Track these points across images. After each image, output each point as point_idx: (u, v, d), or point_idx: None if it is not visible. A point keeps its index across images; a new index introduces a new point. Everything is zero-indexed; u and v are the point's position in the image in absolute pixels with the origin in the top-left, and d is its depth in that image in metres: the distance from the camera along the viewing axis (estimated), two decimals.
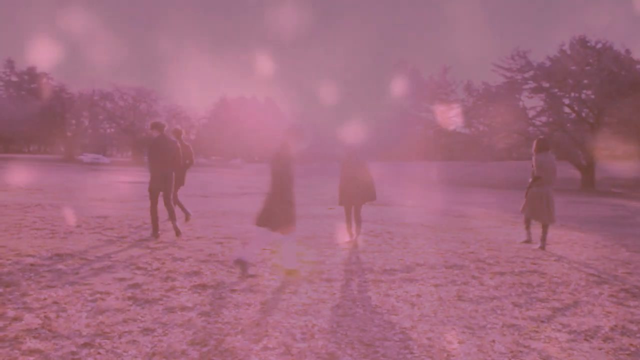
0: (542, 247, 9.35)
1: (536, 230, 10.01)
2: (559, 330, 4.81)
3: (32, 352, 3.88)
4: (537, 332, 4.75)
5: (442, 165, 53.41)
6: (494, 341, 4.47)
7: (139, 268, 6.65)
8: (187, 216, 11.19)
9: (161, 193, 9.14)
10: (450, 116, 54.70)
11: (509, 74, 45.99)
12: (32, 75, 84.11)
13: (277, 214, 6.57)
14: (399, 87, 59.08)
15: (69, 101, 78.46)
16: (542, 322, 5.06)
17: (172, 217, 9.31)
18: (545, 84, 43.98)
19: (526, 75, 44.96)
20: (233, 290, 5.80)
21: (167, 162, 9.11)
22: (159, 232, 9.15)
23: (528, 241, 9.84)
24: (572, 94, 43.61)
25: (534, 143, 9.58)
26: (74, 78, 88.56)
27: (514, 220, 14.29)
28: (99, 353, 3.91)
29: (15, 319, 4.56)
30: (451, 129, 54.84)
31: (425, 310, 5.36)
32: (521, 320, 5.08)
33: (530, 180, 9.60)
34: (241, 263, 6.51)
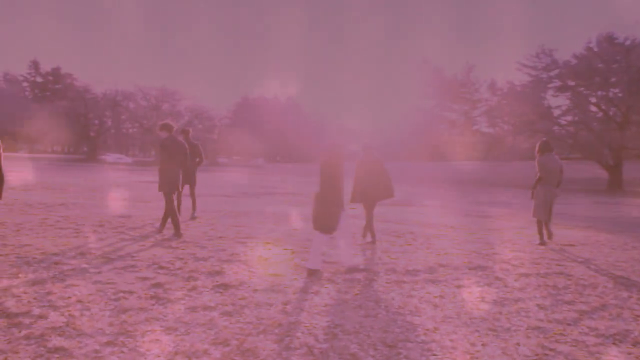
0: (542, 243, 9.66)
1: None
2: (586, 334, 4.71)
3: (57, 349, 3.91)
4: (563, 335, 4.66)
5: (465, 165, 53.00)
6: (518, 344, 4.40)
7: (161, 267, 6.69)
8: (193, 215, 11.69)
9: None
10: (474, 115, 54.34)
11: (534, 73, 45.47)
12: (56, 76, 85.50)
13: (325, 215, 6.70)
14: (421, 86, 58.83)
15: (93, 101, 79.49)
16: (569, 325, 4.96)
17: (172, 215, 9.33)
18: (571, 83, 43.32)
19: (551, 73, 44.35)
20: (255, 290, 5.79)
21: (176, 162, 9.29)
22: (181, 232, 9.22)
23: (542, 242, 9.76)
24: (599, 93, 42.86)
25: (537, 145, 9.79)
26: (97, 78, 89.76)
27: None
28: (122, 352, 3.93)
29: (41, 316, 4.61)
30: (474, 128, 54.48)
31: (448, 311, 5.31)
32: (546, 323, 4.99)
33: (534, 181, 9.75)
34: (314, 272, 6.59)
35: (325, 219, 6.77)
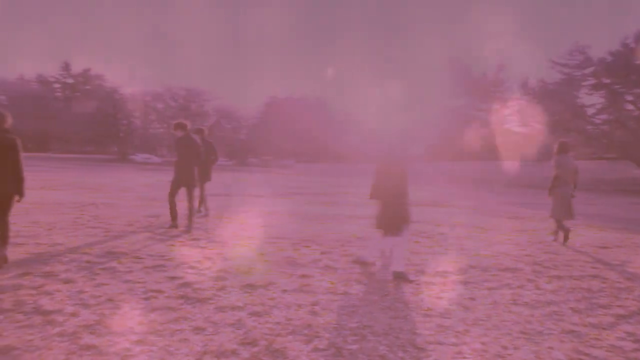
0: (556, 240, 9.97)
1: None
2: (623, 339, 4.60)
3: (88, 347, 3.96)
4: (598, 339, 4.56)
5: (496, 165, 52.32)
6: (551, 348, 4.31)
7: (190, 267, 6.73)
8: (207, 212, 11.96)
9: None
10: (505, 114, 53.64)
11: (566, 71, 44.68)
12: (86, 77, 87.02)
13: (393, 216, 6.69)
14: (450, 84, 58.31)
15: (122, 102, 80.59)
16: (604, 329, 4.85)
17: (191, 212, 9.82)
18: (606, 80, 42.45)
19: (585, 71, 43.53)
20: (284, 291, 5.79)
21: (190, 159, 9.75)
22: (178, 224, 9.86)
23: (565, 239, 9.81)
24: (636, 90, 41.90)
25: (556, 145, 10.01)
26: (126, 79, 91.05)
27: (572, 223, 13.84)
28: (151, 350, 3.96)
29: (73, 314, 4.68)
30: (505, 127, 53.77)
31: (479, 314, 5.23)
32: (581, 327, 4.88)
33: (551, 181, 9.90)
34: (402, 276, 6.54)
35: (399, 221, 6.72)
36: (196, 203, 11.32)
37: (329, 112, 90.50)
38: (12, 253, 7.04)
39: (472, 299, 5.78)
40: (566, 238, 9.79)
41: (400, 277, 6.53)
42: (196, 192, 10.58)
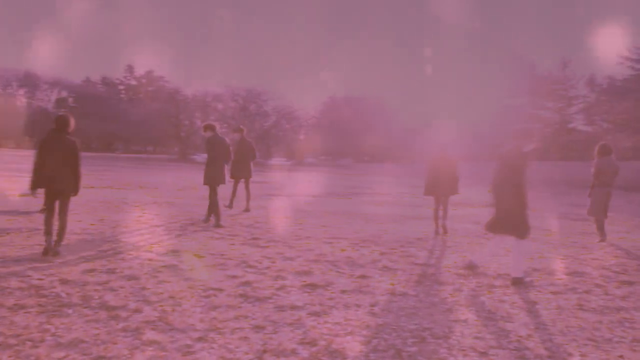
0: (603, 240, 9.85)
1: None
2: None
3: (151, 343, 4.06)
4: None
5: (560, 165, 50.75)
6: (622, 357, 4.13)
7: (250, 266, 6.81)
8: (230, 205, 12.60)
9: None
10: (570, 113, 52.02)
11: (637, 66, 42.88)
12: (149, 78, 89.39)
13: (517, 217, 6.47)
14: (512, 83, 56.85)
15: (183, 103, 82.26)
16: None
17: (216, 209, 10.30)
18: None
19: None
20: (343, 291, 5.78)
21: (219, 157, 10.36)
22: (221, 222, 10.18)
23: (603, 239, 9.85)
24: None
25: (597, 147, 10.10)
26: (188, 80, 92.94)
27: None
28: (212, 347, 4.02)
29: (136, 310, 4.80)
30: (570, 126, 52.15)
31: (543, 318, 5.08)
32: None
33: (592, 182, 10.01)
34: (520, 282, 6.38)
35: (524, 223, 6.48)
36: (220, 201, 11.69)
37: (388, 111, 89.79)
38: (79, 250, 7.32)
39: (535, 302, 5.62)
40: (603, 236, 9.93)
41: (517, 284, 6.33)
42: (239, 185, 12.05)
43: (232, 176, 12.39)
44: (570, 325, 4.89)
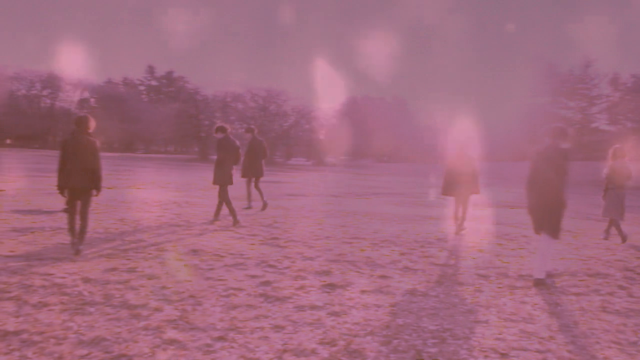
0: (606, 238, 10.14)
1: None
2: None
3: (171, 341, 4.09)
4: None
5: (583, 165, 50.13)
6: None
7: (269, 266, 6.82)
8: (249, 205, 12.77)
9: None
10: (592, 112, 51.35)
11: None
12: (169, 79, 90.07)
13: (555, 216, 6.43)
14: (533, 82, 56.22)
15: (203, 103, 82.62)
16: None
17: (230, 208, 10.44)
18: None
19: None
20: (363, 291, 5.77)
21: (228, 158, 10.57)
22: (238, 219, 10.35)
23: (624, 239, 9.78)
24: None
25: (611, 150, 10.16)
26: (207, 80, 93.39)
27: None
28: (232, 347, 4.04)
29: (157, 309, 4.84)
30: (593, 126, 51.48)
31: (565, 320, 5.02)
32: None
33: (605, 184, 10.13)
34: (542, 283, 6.33)
35: (559, 223, 6.43)
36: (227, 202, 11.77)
37: (407, 111, 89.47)
38: (101, 249, 7.41)
39: (557, 304, 5.55)
40: (607, 234, 10.25)
41: (539, 285, 6.27)
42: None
43: (243, 175, 12.80)
44: (594, 327, 4.83)
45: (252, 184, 12.95)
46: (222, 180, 10.44)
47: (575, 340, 4.46)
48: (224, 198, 10.45)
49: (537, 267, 6.39)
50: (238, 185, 11.09)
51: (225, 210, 10.82)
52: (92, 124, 7.28)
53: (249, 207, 12.70)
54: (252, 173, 12.91)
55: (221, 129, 10.85)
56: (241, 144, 11.09)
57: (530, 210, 6.64)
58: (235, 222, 10.19)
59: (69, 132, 7.26)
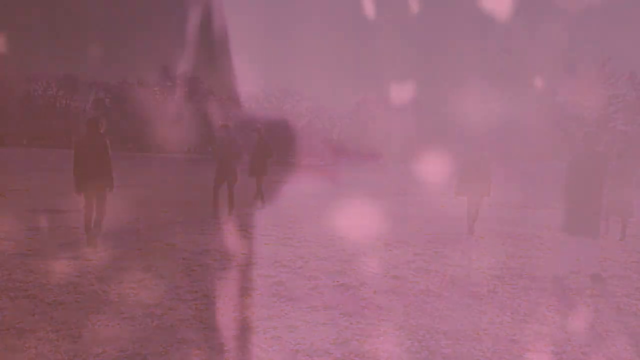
0: (622, 239, 10.26)
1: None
2: None
3: (185, 340, 4.10)
4: None
5: None
6: None
7: (283, 266, 6.83)
8: (262, 204, 12.93)
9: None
10: (609, 112, 50.83)
11: None
12: (183, 80, 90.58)
13: (594, 218, 6.63)
14: (548, 81, 55.74)
15: (218, 103, 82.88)
16: None
17: (231, 205, 11.06)
18: None
19: None
20: (375, 292, 5.75)
21: (229, 157, 10.96)
22: (219, 216, 10.84)
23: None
24: None
25: (616, 151, 10.79)
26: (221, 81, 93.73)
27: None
28: (245, 346, 4.05)
29: (171, 308, 4.86)
30: (610, 125, 50.91)
31: (581, 322, 4.97)
32: None
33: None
34: (598, 278, 6.53)
35: (598, 224, 6.68)
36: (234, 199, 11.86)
37: (423, 111, 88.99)
38: (116, 248, 7.46)
39: (572, 305, 5.51)
40: (607, 228, 10.45)
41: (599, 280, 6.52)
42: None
43: (250, 174, 12.89)
44: (610, 329, 4.78)
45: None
46: (227, 178, 10.94)
47: (590, 341, 4.42)
48: (215, 193, 11.02)
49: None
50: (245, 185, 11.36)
51: (243, 206, 11.09)
52: (103, 124, 7.53)
53: (263, 207, 12.77)
54: (257, 171, 13.02)
55: (224, 128, 11.29)
56: (248, 144, 11.32)
57: (569, 213, 6.66)
58: (230, 213, 10.83)
59: (81, 133, 7.52)
